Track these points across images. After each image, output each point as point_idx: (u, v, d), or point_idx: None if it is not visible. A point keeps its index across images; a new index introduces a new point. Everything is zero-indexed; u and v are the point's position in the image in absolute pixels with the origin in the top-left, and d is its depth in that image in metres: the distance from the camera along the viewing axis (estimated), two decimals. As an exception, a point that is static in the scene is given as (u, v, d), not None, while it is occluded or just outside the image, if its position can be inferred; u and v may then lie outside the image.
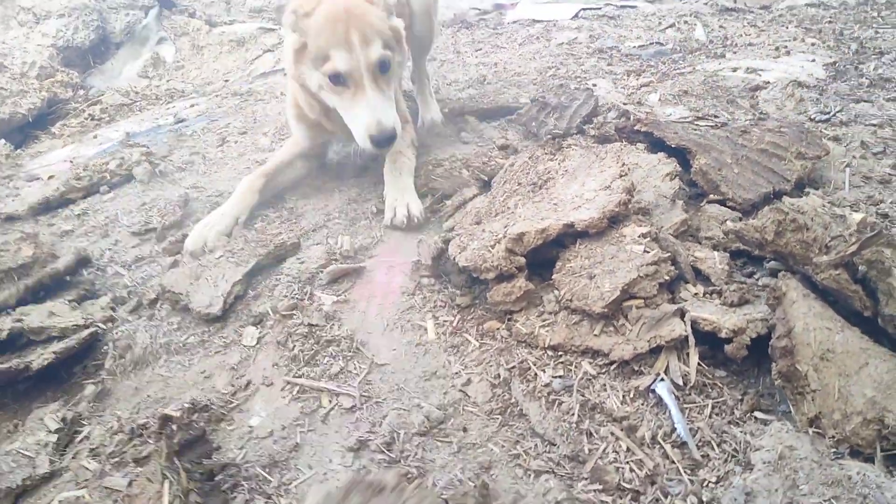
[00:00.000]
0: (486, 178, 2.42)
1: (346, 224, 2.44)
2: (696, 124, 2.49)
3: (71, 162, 3.55)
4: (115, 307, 2.28)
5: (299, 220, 2.57)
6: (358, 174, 2.82)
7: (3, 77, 4.17)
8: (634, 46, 4.23)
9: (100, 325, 2.16)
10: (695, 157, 2.25)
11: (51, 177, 3.39)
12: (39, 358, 1.93)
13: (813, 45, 3.89)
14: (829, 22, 4.85)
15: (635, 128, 2.45)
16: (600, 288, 1.70)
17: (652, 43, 4.28)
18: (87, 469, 1.62)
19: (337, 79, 2.28)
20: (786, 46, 3.85)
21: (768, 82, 3.19)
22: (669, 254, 1.77)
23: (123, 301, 2.31)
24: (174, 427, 1.56)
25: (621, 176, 1.97)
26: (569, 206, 1.94)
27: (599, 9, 5.25)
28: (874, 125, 2.75)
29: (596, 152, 2.16)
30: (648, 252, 1.75)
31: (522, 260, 1.82)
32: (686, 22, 4.81)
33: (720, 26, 4.70)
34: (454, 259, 1.93)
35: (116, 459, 1.66)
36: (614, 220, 1.88)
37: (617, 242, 1.82)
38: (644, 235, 1.81)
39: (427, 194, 2.48)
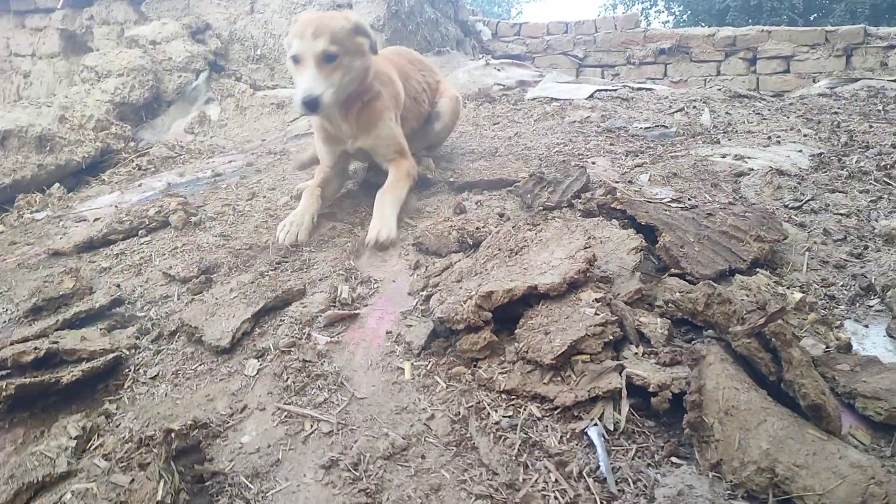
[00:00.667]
0: (474, 243, 2.70)
1: (350, 275, 2.74)
2: (668, 205, 2.75)
3: (116, 207, 3.93)
4: (139, 336, 2.59)
5: (310, 269, 2.87)
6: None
7: (63, 127, 4.63)
8: (641, 128, 4.53)
9: (124, 350, 2.46)
10: (661, 235, 2.50)
11: (97, 219, 3.76)
12: (68, 375, 2.23)
13: (806, 135, 4.14)
14: (834, 113, 5.11)
15: (612, 205, 2.72)
16: (552, 343, 1.95)
17: (658, 125, 4.57)
18: (98, 467, 1.90)
19: (294, 59, 3.00)
20: (779, 136, 4.10)
21: (752, 169, 3.45)
22: (617, 317, 2.02)
23: (147, 332, 2.61)
24: (173, 436, 1.83)
25: (585, 248, 2.24)
26: (536, 271, 2.21)
27: (616, 90, 5.59)
28: (842, 214, 2.98)
29: (568, 226, 2.43)
30: (598, 315, 2.00)
31: (489, 315, 2.08)
32: (695, 107, 5.11)
33: (726, 112, 4.99)
34: (433, 311, 2.20)
35: (124, 464, 1.94)
36: (574, 286, 2.14)
37: (573, 305, 2.07)
38: (598, 300, 2.06)
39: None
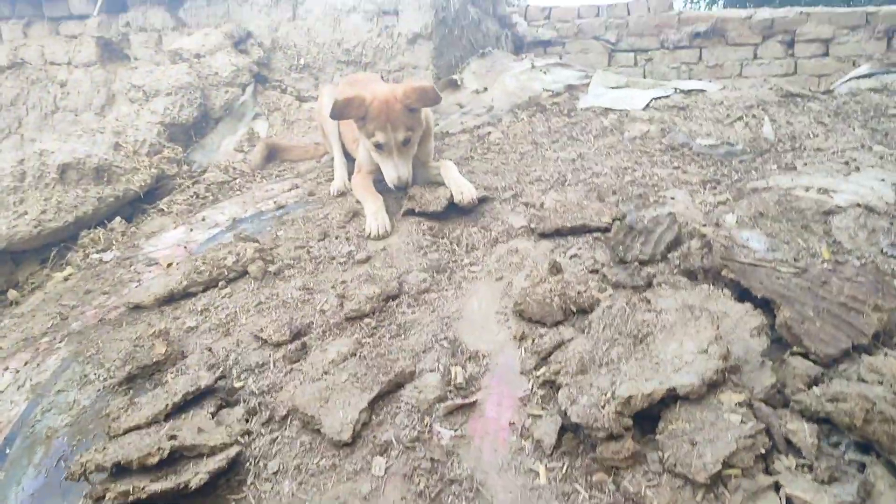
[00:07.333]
0: (578, 310, 2.66)
1: (455, 348, 2.69)
2: (779, 270, 2.69)
3: (185, 248, 3.88)
4: (248, 418, 2.56)
5: (408, 335, 2.82)
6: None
7: (119, 155, 4.55)
8: (705, 145, 4.44)
9: (239, 438, 2.44)
10: (779, 310, 2.46)
11: (169, 265, 3.72)
12: (196, 478, 2.21)
13: (882, 157, 4.05)
14: (894, 116, 5.00)
15: (721, 272, 2.67)
16: (703, 458, 1.92)
17: (722, 142, 4.48)
18: None
19: (378, 147, 3.75)
20: (855, 158, 4.01)
21: (840, 206, 3.38)
22: (764, 425, 1.99)
23: (255, 412, 2.58)
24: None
25: (717, 340, 2.19)
26: (669, 367, 2.17)
27: (668, 97, 5.46)
28: (945, 262, 2.92)
29: (691, 309, 2.39)
30: (745, 423, 1.97)
31: (630, 422, 2.05)
32: (754, 116, 4.99)
33: (787, 122, 4.88)
34: (563, 409, 2.17)
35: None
36: (712, 386, 2.10)
37: (715, 409, 2.04)
38: (740, 404, 2.03)
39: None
